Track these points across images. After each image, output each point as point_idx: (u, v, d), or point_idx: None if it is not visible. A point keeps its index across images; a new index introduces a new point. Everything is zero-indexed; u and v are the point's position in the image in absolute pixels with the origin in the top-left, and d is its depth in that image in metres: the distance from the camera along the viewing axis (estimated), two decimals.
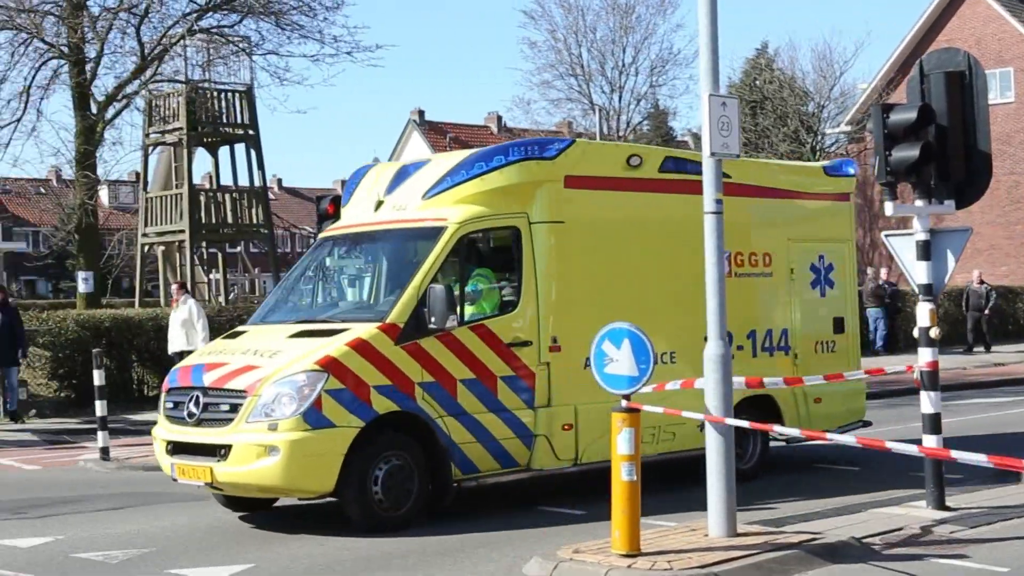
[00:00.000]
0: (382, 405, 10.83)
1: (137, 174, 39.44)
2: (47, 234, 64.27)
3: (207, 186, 36.35)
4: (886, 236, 11.91)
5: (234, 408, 10.76)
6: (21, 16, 22.49)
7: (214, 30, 25.23)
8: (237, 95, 28.79)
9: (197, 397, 11.11)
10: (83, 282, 28.65)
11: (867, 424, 15.03)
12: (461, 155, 12.13)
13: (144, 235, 32.04)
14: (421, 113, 67.71)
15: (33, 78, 24.13)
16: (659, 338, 12.33)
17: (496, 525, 11.33)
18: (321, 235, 13.15)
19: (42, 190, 71.55)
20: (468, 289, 11.84)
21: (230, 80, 27.90)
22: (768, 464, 13.95)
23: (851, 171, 15.02)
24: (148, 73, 24.38)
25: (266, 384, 10.62)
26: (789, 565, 9.31)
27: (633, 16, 43.17)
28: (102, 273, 32.67)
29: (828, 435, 10.23)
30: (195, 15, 23.85)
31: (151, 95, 26.73)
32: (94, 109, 24.43)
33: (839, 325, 14.66)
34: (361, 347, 10.85)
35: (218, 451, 10.75)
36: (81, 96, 24.12)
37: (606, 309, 12.21)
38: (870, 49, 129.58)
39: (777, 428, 11.72)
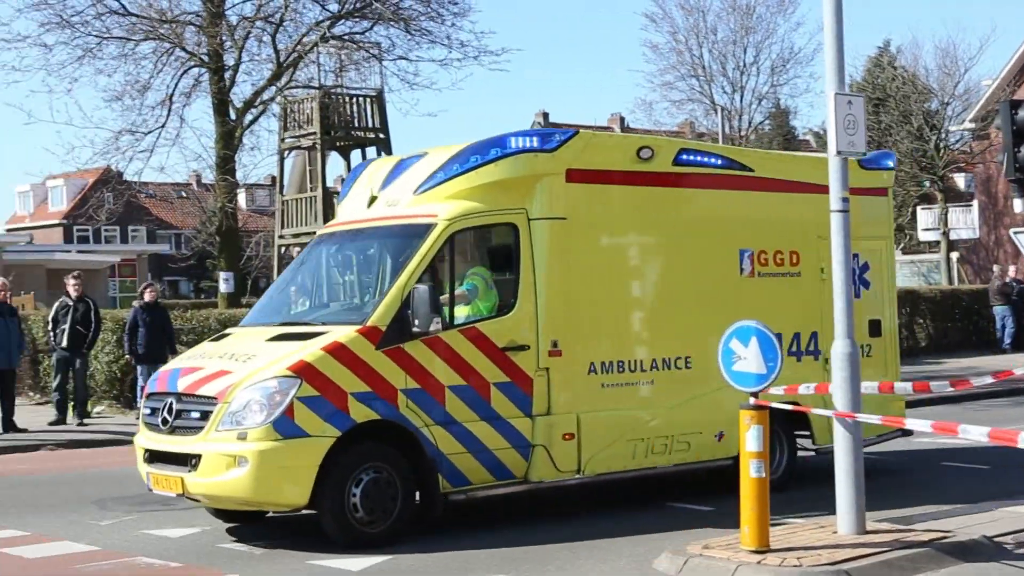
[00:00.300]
0: (360, 413, 9.98)
1: (273, 178, 40.07)
2: (189, 236, 65.59)
3: (340, 189, 35.85)
4: (1014, 233, 11.10)
5: (204, 416, 10.01)
6: (164, 27, 22.86)
7: (346, 37, 25.56)
8: (368, 100, 29.02)
9: (171, 404, 10.39)
10: (224, 282, 28.87)
11: (907, 433, 13.93)
12: (457, 148, 11.30)
13: (280, 236, 32.21)
14: (545, 115, 67.48)
15: (175, 86, 24.61)
16: (673, 341, 11.54)
17: (624, 521, 11.12)
18: (318, 232, 12.42)
19: (184, 194, 73.28)
20: (463, 290, 10.97)
21: (362, 85, 28.31)
22: (798, 474, 12.96)
23: (889, 164, 13.91)
24: (283, 79, 24.77)
25: (236, 390, 9.85)
26: (920, 563, 9.12)
27: (754, 16, 42.77)
28: (241, 273, 32.91)
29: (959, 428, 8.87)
30: (328, 23, 24.13)
31: (286, 101, 27.11)
32: (233, 115, 24.86)
33: (875, 328, 13.54)
34: (338, 352, 10.02)
35: (189, 460, 10.01)
36: (220, 103, 24.52)
37: (613, 311, 11.40)
38: (995, 45, 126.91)
39: (908, 423, 10.21)
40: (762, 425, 9.35)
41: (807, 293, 12.89)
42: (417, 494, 10.40)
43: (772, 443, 12.36)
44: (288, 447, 9.69)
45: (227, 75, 24.22)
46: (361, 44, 26.10)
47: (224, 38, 23.43)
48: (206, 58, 23.77)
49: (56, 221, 78.81)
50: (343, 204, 12.39)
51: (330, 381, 9.89)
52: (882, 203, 13.77)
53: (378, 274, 11.26)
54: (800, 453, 13.07)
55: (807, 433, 12.82)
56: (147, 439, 10.64)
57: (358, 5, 24.44)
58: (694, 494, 12.24)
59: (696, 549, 9.27)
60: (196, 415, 10.09)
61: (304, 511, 10.45)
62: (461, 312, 10.83)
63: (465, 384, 10.52)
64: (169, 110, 24.74)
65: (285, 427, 9.69)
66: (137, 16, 22.95)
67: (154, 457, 10.46)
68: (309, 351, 10.00)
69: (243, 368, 10.09)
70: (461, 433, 10.46)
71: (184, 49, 23.56)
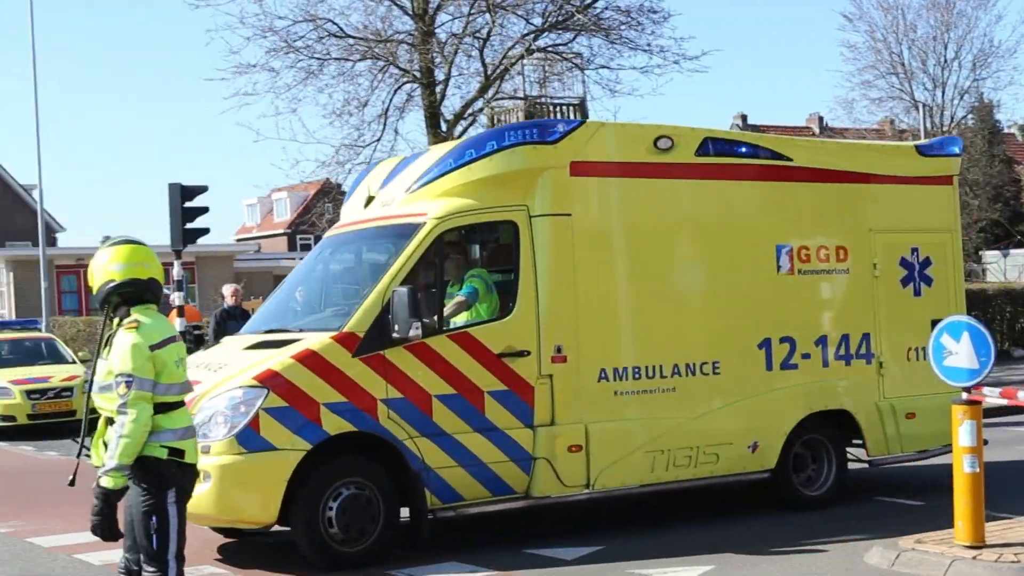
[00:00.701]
0: (333, 425, 9.11)
1: None
2: None
3: None
4: None
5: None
6: (379, 47, 23.44)
7: (550, 49, 25.63)
8: (571, 108, 28.81)
9: None
10: None
11: None
12: (454, 143, 10.39)
13: None
14: (744, 117, 66.22)
15: (390, 101, 25.04)
16: (699, 345, 10.47)
17: (835, 515, 10.86)
18: (324, 236, 11.64)
19: None
20: (462, 293, 10.04)
21: (565, 94, 28.27)
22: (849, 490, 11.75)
23: (955, 150, 12.46)
24: (491, 92, 25.05)
25: (201, 401, 9.10)
26: None
27: (954, 12, 41.01)
28: None
29: None
30: (532, 36, 24.34)
31: (493, 111, 27.37)
32: (444, 127, 25.18)
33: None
34: (310, 359, 9.18)
35: None
36: (432, 115, 24.96)
37: (626, 313, 10.34)
38: None
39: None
40: (975, 420, 9.02)
41: (857, 291, 11.58)
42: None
43: (819, 455, 11.27)
44: (252, 461, 8.89)
45: (438, 89, 24.59)
46: (564, 55, 26.07)
47: (435, 55, 23.92)
48: (418, 74, 24.24)
49: (281, 231, 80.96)
50: (345, 206, 11.58)
51: (300, 391, 9.05)
52: (946, 193, 12.30)
53: (365, 277, 10.36)
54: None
55: (859, 443, 11.58)
56: None
57: (561, 18, 24.50)
58: (904, 488, 12.06)
59: (908, 543, 9.02)
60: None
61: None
62: (455, 316, 9.91)
63: (455, 393, 9.57)
64: (384, 124, 25.18)
65: (249, 440, 8.89)
66: (355, 38, 23.58)
67: None
68: (278, 359, 9.19)
69: (212, 378, 9.35)
70: (451, 445, 9.51)
71: (398, 66, 24.11)
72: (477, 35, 24.28)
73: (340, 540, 9.10)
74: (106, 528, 6.19)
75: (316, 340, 9.35)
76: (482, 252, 10.45)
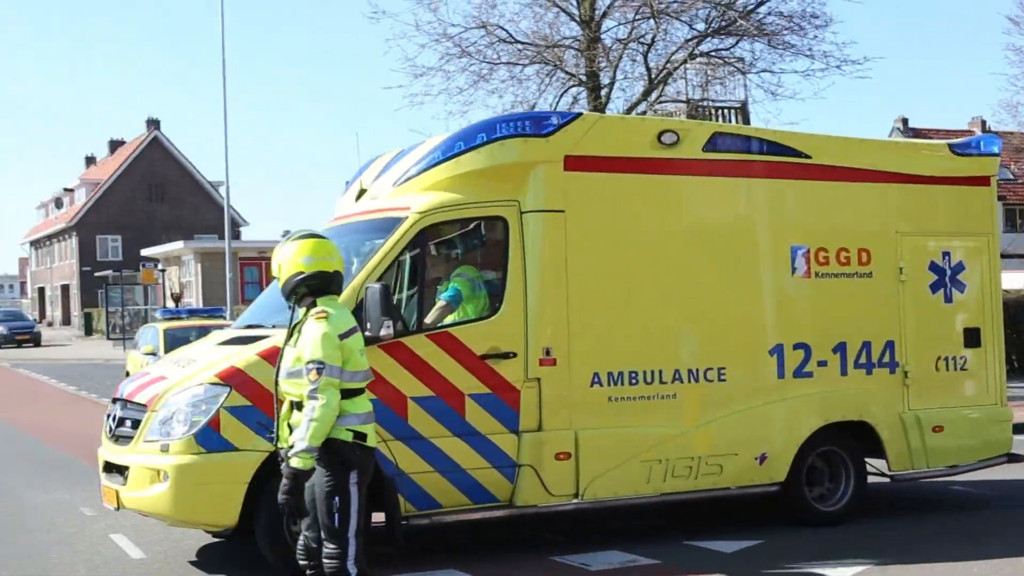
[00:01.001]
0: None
1: None
2: None
3: None
4: None
5: (135, 424, 8.83)
6: (547, 52, 23.76)
7: (712, 53, 25.54)
8: (733, 111, 28.65)
9: (116, 410, 9.33)
10: None
11: (1016, 459, 11.53)
12: (447, 135, 9.77)
13: None
14: (905, 121, 65.07)
15: (557, 104, 25.14)
16: (704, 350, 9.74)
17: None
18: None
19: None
20: (443, 297, 9.39)
21: (726, 98, 28.14)
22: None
23: (993, 149, 11.49)
24: (654, 95, 25.12)
25: (164, 398, 8.63)
26: None
27: None
28: None
29: None
30: (695, 41, 24.31)
31: (656, 114, 27.36)
32: None
33: (972, 338, 11.16)
34: (276, 357, 8.70)
35: (123, 472, 8.89)
36: None
37: (624, 315, 9.62)
38: None
39: None
40: None
41: (881, 296, 10.72)
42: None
43: (836, 468, 10.48)
44: (211, 462, 8.37)
45: (603, 93, 24.54)
46: (726, 60, 25.88)
47: (600, 59, 24.02)
48: (584, 78, 24.38)
49: None
50: (339, 199, 11.03)
51: (264, 390, 8.47)
52: (982, 194, 11.33)
53: (346, 273, 9.78)
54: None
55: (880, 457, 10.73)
56: (102, 447, 9.62)
57: (723, 24, 24.28)
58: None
59: None
60: (130, 423, 8.92)
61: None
62: (437, 316, 9.32)
63: (433, 395, 8.95)
64: None
65: (209, 440, 8.37)
66: (524, 43, 23.86)
67: (104, 467, 9.38)
68: (243, 356, 8.67)
69: (179, 373, 8.87)
70: (427, 450, 8.90)
71: (565, 71, 24.27)
72: (641, 40, 24.30)
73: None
74: (294, 506, 6.62)
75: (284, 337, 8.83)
76: (470, 249, 9.76)
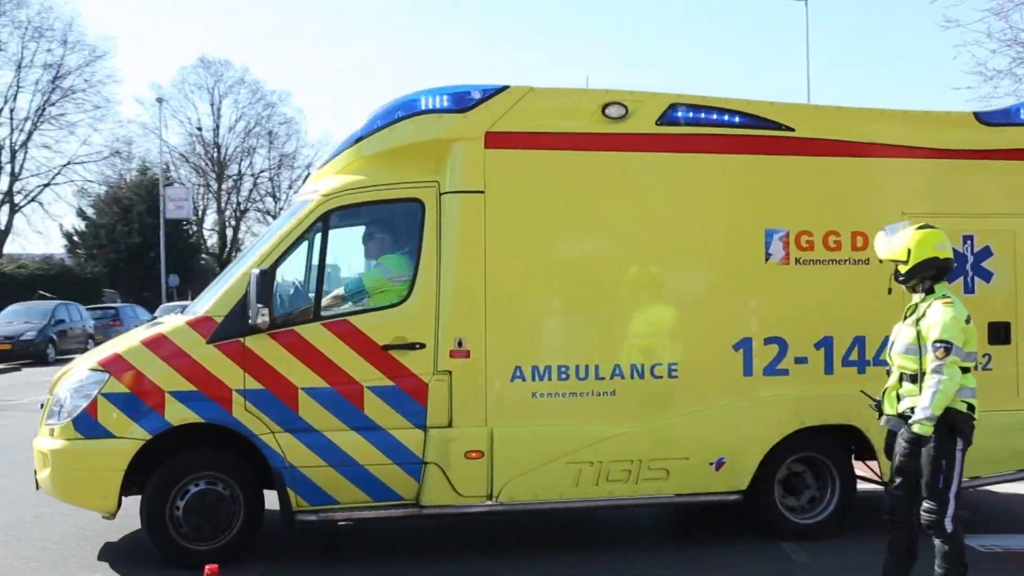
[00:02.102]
0: (177, 415, 7.75)
1: None
2: None
3: None
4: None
5: (41, 407, 8.42)
6: None
7: None
8: None
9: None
10: None
11: None
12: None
13: None
14: None
15: None
16: (651, 344, 8.36)
17: None
18: None
19: None
20: (352, 283, 8.45)
21: None
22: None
23: None
24: None
25: (59, 382, 8.13)
26: None
27: None
28: None
29: None
30: None
31: None
32: None
33: (1000, 333, 9.09)
34: (158, 344, 7.88)
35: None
36: None
37: (552, 305, 8.34)
38: None
39: None
40: None
41: (880, 286, 8.82)
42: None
43: (822, 475, 8.86)
44: (87, 448, 7.72)
45: None
46: None
47: None
48: None
49: None
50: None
51: (144, 377, 7.79)
52: (1020, 169, 9.27)
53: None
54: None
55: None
56: None
57: None
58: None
59: None
60: (40, 406, 8.47)
61: None
62: (333, 303, 8.30)
63: (327, 387, 7.94)
64: None
65: (86, 426, 7.72)
66: None
67: None
68: (127, 343, 8.00)
69: (82, 359, 8.33)
70: (319, 443, 7.91)
71: None
72: None
73: (191, 539, 7.84)
74: (911, 468, 6.76)
75: (171, 324, 8.10)
76: (382, 233, 8.69)
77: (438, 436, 8.08)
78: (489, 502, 8.18)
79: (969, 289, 9.02)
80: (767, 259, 8.63)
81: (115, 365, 7.82)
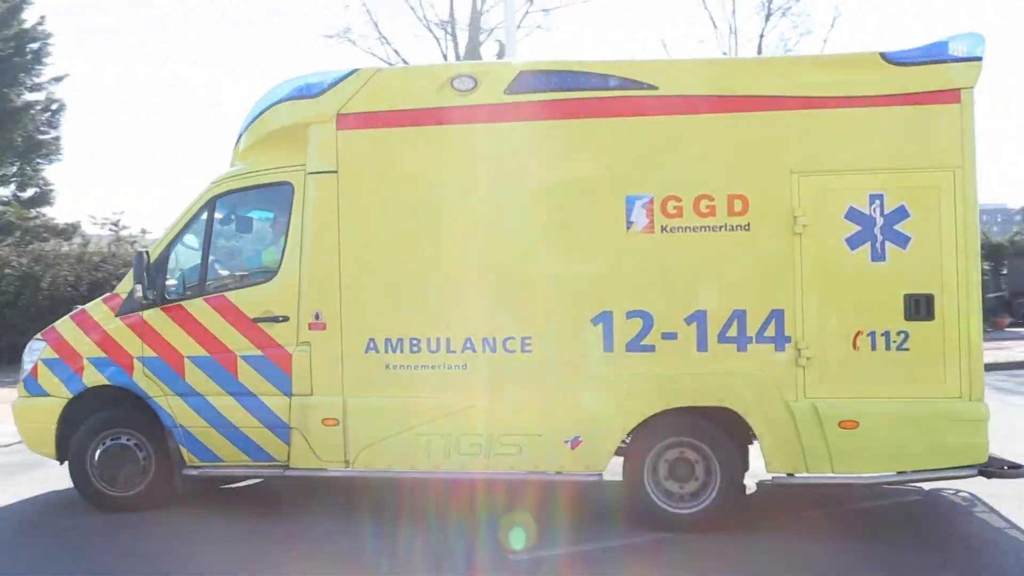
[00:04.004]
0: (92, 378, 8.13)
1: None
2: None
3: None
4: None
5: None
6: None
7: None
8: None
9: None
10: None
11: (998, 472, 7.07)
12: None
13: None
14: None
15: None
16: (502, 317, 7.58)
17: None
18: None
19: None
20: (243, 260, 8.31)
21: None
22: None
23: (955, 53, 6.92)
24: None
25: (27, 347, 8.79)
26: None
27: None
28: None
29: None
30: None
31: None
32: None
33: (920, 307, 6.98)
34: (80, 318, 8.30)
35: None
36: None
37: (404, 279, 7.73)
38: None
39: None
40: None
41: (762, 254, 7.15)
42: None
43: (706, 460, 7.45)
44: (31, 405, 8.35)
45: None
46: None
47: None
48: None
49: None
50: None
51: (68, 345, 8.25)
52: (943, 113, 6.92)
53: None
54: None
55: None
56: None
57: None
58: None
59: None
60: None
61: None
62: (213, 280, 8.12)
63: (207, 355, 7.93)
64: None
65: (31, 386, 8.36)
66: None
67: None
68: (63, 318, 8.48)
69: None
70: (202, 406, 7.93)
71: None
72: None
73: (107, 486, 8.21)
74: None
75: (93, 301, 8.45)
76: (264, 215, 8.36)
77: (299, 404, 7.77)
78: (348, 468, 7.74)
79: (879, 256, 7.01)
80: (628, 227, 7.30)
81: (50, 335, 8.39)
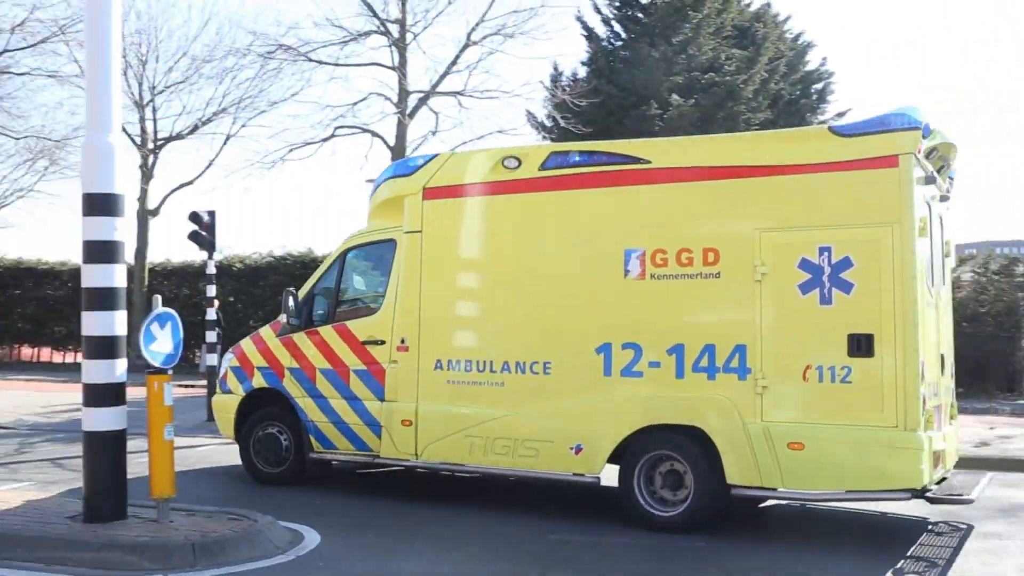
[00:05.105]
0: (257, 382, 10.28)
1: None
2: None
3: None
4: None
5: None
6: None
7: None
8: None
9: None
10: None
11: (935, 498, 7.10)
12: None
13: None
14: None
15: None
16: (531, 346, 9.05)
17: None
18: None
19: None
20: (360, 298, 10.06)
21: None
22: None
23: (896, 124, 7.25)
24: None
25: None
26: None
27: None
28: None
29: None
30: None
31: None
32: None
33: (860, 344, 7.37)
34: (256, 338, 10.48)
35: None
36: None
37: (463, 313, 9.38)
38: None
39: None
40: None
41: (730, 298, 7.89)
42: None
43: (671, 468, 8.29)
44: (222, 400, 10.66)
45: None
46: None
47: None
48: None
49: None
50: None
51: (246, 357, 10.44)
52: (884, 178, 7.35)
53: None
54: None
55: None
56: None
57: None
58: None
59: None
60: None
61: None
62: (340, 312, 9.95)
63: (330, 368, 9.80)
64: None
65: (223, 385, 10.69)
66: None
67: None
68: (247, 338, 10.63)
69: None
70: (325, 406, 9.79)
71: None
72: None
73: (262, 464, 10.23)
74: None
75: (266, 326, 10.54)
76: (378, 264, 9.96)
77: (388, 407, 9.42)
78: (416, 459, 9.24)
79: (826, 300, 7.54)
80: (626, 275, 8.33)
81: (236, 349, 10.66)
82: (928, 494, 7.45)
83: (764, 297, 7.80)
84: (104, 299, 7.50)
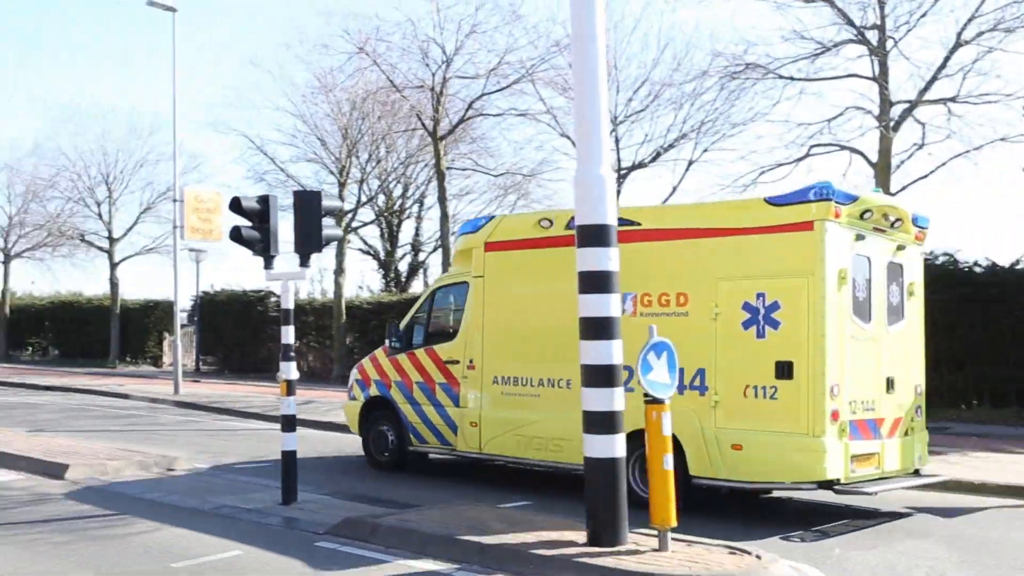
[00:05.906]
0: (373, 391, 12.89)
1: None
2: None
3: None
4: None
5: None
6: None
7: None
8: None
9: None
10: None
11: (841, 488, 8.63)
12: None
13: None
14: None
15: None
16: (558, 366, 11.30)
17: None
18: None
19: None
20: (444, 326, 12.39)
21: None
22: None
23: (810, 196, 8.84)
24: None
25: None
26: None
27: None
28: None
29: None
30: None
31: None
32: None
33: (784, 370, 9.05)
34: (371, 357, 13.07)
35: None
36: None
37: (514, 340, 11.61)
38: None
39: None
40: None
41: (695, 331, 9.76)
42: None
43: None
44: (350, 405, 13.35)
45: None
46: None
47: None
48: None
49: None
50: None
51: (365, 372, 13.07)
52: (802, 239, 8.98)
53: None
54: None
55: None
56: None
57: None
58: None
59: None
60: None
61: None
62: (430, 338, 12.35)
63: (423, 381, 12.28)
64: None
65: (350, 394, 13.35)
66: None
67: None
68: (369, 355, 13.23)
69: None
70: (419, 411, 12.28)
71: None
72: None
73: (376, 452, 12.80)
74: None
75: (380, 348, 13.10)
76: (458, 300, 12.23)
77: (460, 412, 11.83)
78: (480, 452, 11.56)
79: (761, 334, 9.28)
80: (623, 312, 10.26)
81: (358, 366, 13.35)
82: (835, 487, 9.08)
83: (718, 331, 9.64)
84: (601, 328, 7.59)
